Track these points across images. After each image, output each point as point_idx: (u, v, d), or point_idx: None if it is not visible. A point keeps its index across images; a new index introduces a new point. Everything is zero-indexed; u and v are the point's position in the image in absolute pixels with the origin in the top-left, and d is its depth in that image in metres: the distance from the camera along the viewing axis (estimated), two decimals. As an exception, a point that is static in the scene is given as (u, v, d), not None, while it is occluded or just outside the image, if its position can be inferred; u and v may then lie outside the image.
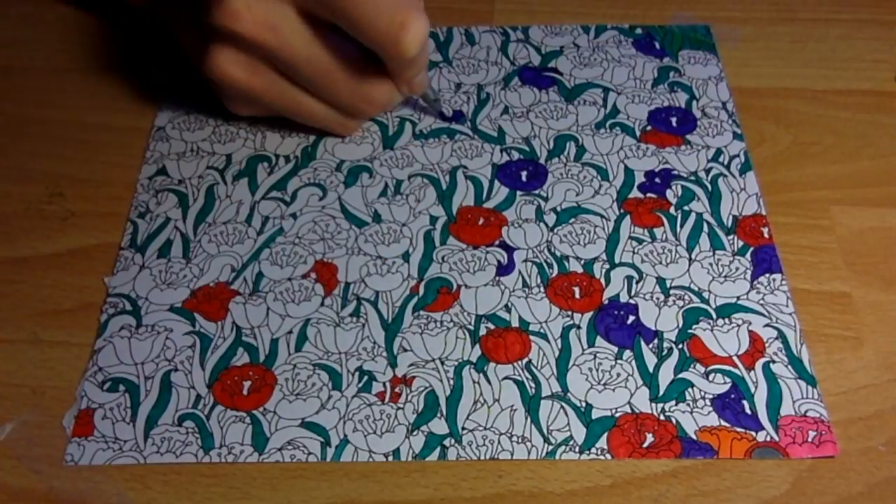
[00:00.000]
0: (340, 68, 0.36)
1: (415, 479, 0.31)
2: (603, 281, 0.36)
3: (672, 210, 0.38)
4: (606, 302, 0.35)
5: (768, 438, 0.31)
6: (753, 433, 0.31)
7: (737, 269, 0.36)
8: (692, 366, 0.33)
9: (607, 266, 0.36)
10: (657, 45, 0.45)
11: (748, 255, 0.36)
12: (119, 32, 0.45)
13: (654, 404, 0.32)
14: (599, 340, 0.34)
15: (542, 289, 0.35)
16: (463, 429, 0.32)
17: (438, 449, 0.31)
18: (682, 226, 0.37)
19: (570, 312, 0.35)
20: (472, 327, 0.34)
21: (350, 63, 0.36)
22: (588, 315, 0.35)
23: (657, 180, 0.39)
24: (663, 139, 0.41)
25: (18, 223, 0.38)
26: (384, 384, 0.33)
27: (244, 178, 0.39)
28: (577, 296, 0.35)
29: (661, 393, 0.32)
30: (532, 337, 0.34)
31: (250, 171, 0.40)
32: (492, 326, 0.34)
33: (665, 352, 0.33)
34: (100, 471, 0.31)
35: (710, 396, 0.32)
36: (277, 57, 0.35)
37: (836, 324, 0.34)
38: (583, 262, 0.36)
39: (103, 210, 0.38)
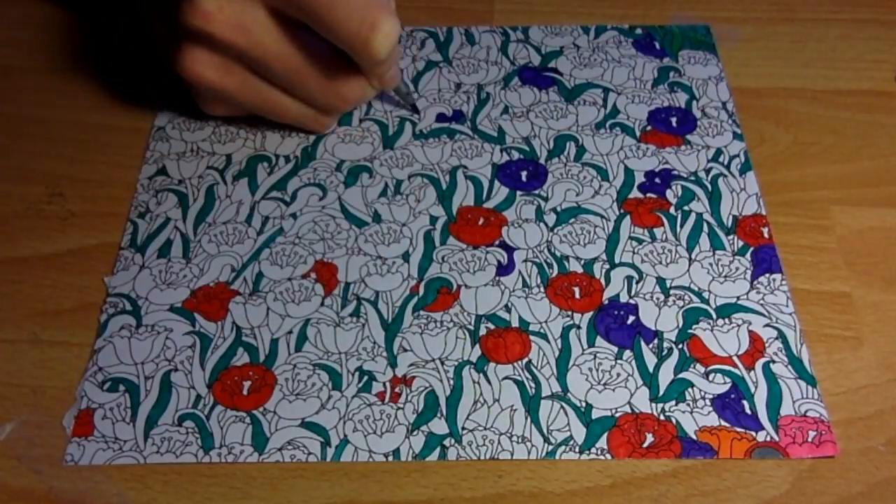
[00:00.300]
0: (312, 66, 0.36)
1: (415, 479, 0.31)
2: (603, 281, 0.36)
3: (672, 210, 0.38)
4: (606, 302, 0.35)
5: (768, 438, 0.31)
6: (753, 433, 0.31)
7: (737, 269, 0.36)
8: (692, 366, 0.33)
9: (607, 266, 0.36)
10: (657, 46, 0.45)
11: (748, 255, 0.36)
12: (119, 33, 0.45)
13: (654, 404, 0.32)
14: (599, 340, 0.34)
15: (542, 289, 0.35)
16: (463, 429, 0.32)
17: (438, 449, 0.31)
18: (682, 226, 0.37)
19: (570, 312, 0.35)
20: (472, 327, 0.34)
21: (322, 60, 0.36)
22: (588, 315, 0.35)
23: (657, 180, 0.39)
24: (663, 139, 0.41)
25: (18, 223, 0.38)
26: (384, 384, 0.33)
27: (244, 178, 0.39)
28: (577, 296, 0.35)
29: (661, 393, 0.32)
30: (532, 337, 0.34)
31: (250, 171, 0.40)
32: (492, 326, 0.34)
33: (665, 352, 0.33)
34: (100, 471, 0.31)
35: (710, 396, 0.32)
36: (250, 56, 0.35)
37: (836, 324, 0.34)
38: (583, 262, 0.36)
39: (103, 210, 0.38)
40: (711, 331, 0.34)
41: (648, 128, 0.41)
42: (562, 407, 0.32)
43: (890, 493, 0.30)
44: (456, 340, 0.34)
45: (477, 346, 0.34)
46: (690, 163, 0.40)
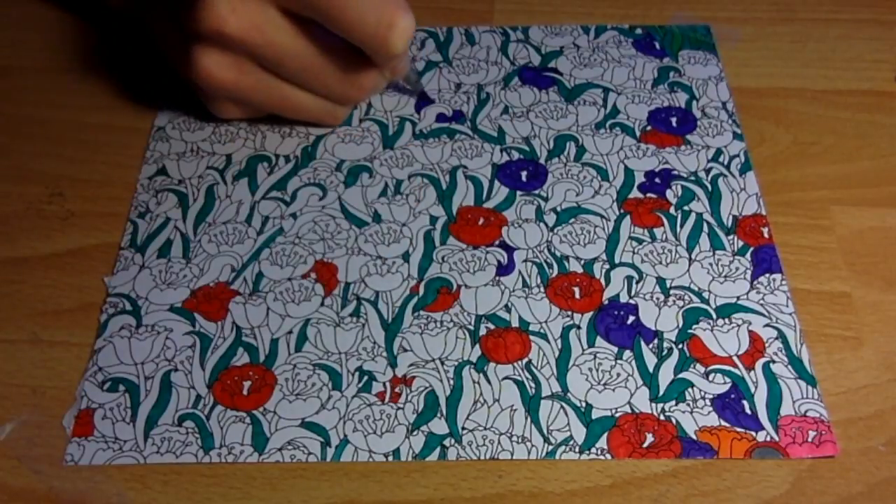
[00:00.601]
0: (327, 58, 0.36)
1: (415, 479, 0.31)
2: (603, 281, 0.36)
3: (672, 210, 0.38)
4: (606, 302, 0.35)
5: (768, 438, 0.31)
6: (753, 433, 0.31)
7: (737, 269, 0.36)
8: (692, 366, 0.33)
9: (607, 266, 0.36)
10: (657, 46, 0.45)
11: (748, 255, 0.36)
12: (119, 33, 0.45)
13: (654, 404, 0.32)
14: (599, 340, 0.34)
15: (542, 289, 0.35)
16: (463, 429, 0.32)
17: (438, 449, 0.31)
18: (682, 226, 0.37)
19: (570, 312, 0.35)
20: (472, 327, 0.34)
21: (336, 52, 0.36)
22: (588, 315, 0.35)
23: (657, 180, 0.39)
24: (663, 139, 0.41)
25: (18, 223, 0.38)
26: (384, 384, 0.33)
27: (244, 178, 0.39)
28: (577, 296, 0.35)
29: (661, 393, 0.32)
30: (532, 337, 0.34)
31: (250, 171, 0.40)
32: (492, 326, 0.34)
33: (665, 352, 0.33)
34: (100, 471, 0.31)
35: (710, 396, 0.32)
36: (264, 55, 0.35)
37: (836, 324, 0.34)
38: (583, 262, 0.36)
39: (103, 210, 0.38)
40: (711, 331, 0.34)
41: (648, 128, 0.41)
42: (562, 407, 0.32)
43: (890, 493, 0.30)
44: (456, 340, 0.34)
45: (477, 346, 0.34)
46: (690, 163, 0.40)
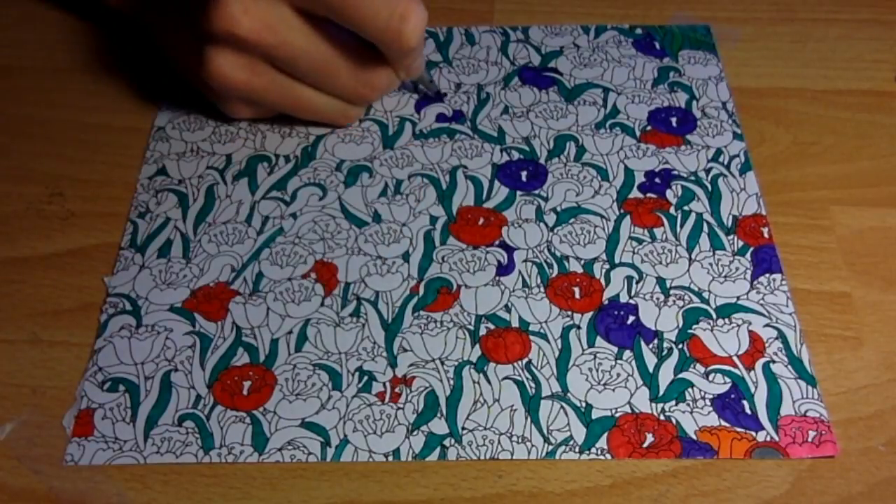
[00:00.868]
0: (341, 57, 0.36)
1: (415, 479, 0.31)
2: (603, 281, 0.36)
3: (672, 210, 0.38)
4: (606, 302, 0.35)
5: (768, 438, 0.31)
6: (753, 433, 0.31)
7: (737, 269, 0.36)
8: (692, 366, 0.33)
9: (607, 266, 0.36)
10: (657, 45, 0.45)
11: (748, 255, 0.36)
12: (119, 33, 0.45)
13: (654, 404, 0.32)
14: (599, 340, 0.34)
15: (542, 289, 0.35)
16: (463, 429, 0.32)
17: (438, 449, 0.31)
18: (682, 226, 0.37)
19: (570, 312, 0.35)
20: (472, 327, 0.34)
21: (348, 51, 0.36)
22: (588, 315, 0.35)
23: (657, 180, 0.39)
24: (663, 139, 0.41)
25: (18, 223, 0.38)
26: (384, 384, 0.33)
27: (244, 177, 0.39)
28: (577, 296, 0.35)
29: (661, 393, 0.32)
30: (532, 337, 0.34)
31: (250, 170, 0.40)
32: (492, 326, 0.34)
33: (665, 352, 0.33)
34: (100, 471, 0.31)
35: (710, 396, 0.32)
36: (277, 55, 0.35)
37: (836, 324, 0.34)
38: (583, 262, 0.36)
39: (103, 210, 0.38)
40: (711, 331, 0.34)
41: (648, 128, 0.41)
42: (562, 407, 0.32)
43: (890, 493, 0.30)
44: (456, 340, 0.34)
45: (477, 346, 0.34)
46: (690, 163, 0.40)
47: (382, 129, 0.41)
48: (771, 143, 0.41)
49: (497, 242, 0.37)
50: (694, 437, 0.31)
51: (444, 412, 0.32)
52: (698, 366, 0.33)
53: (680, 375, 0.33)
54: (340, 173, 0.40)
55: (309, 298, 0.35)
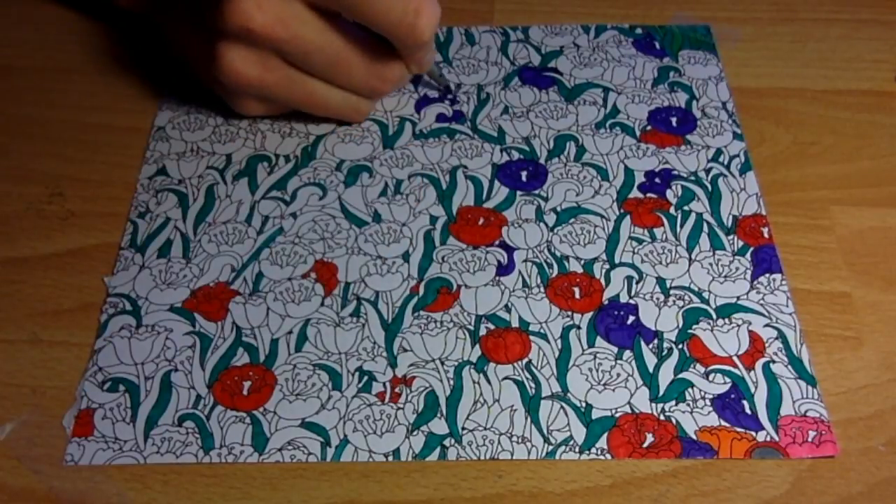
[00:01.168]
0: (353, 51, 0.37)
1: (415, 479, 0.31)
2: (603, 281, 0.35)
3: (672, 210, 0.38)
4: (606, 302, 0.35)
5: (768, 438, 0.31)
6: (753, 433, 0.31)
7: (737, 269, 0.36)
8: (692, 366, 0.33)
9: (607, 266, 0.36)
10: (657, 45, 0.45)
11: (748, 255, 0.36)
12: (119, 32, 0.45)
13: (654, 404, 0.32)
14: (599, 341, 0.34)
15: (542, 289, 0.35)
16: (463, 429, 0.32)
17: (438, 449, 0.31)
18: (682, 226, 0.37)
19: (570, 312, 0.35)
20: (472, 327, 0.34)
21: (361, 45, 0.37)
22: (588, 315, 0.34)
23: (657, 180, 0.39)
24: (663, 139, 0.41)
25: (18, 223, 0.38)
26: (384, 384, 0.33)
27: (244, 177, 0.39)
28: (577, 296, 0.35)
29: (661, 393, 0.32)
30: (532, 337, 0.34)
31: (250, 170, 0.40)
32: (492, 326, 0.34)
33: (665, 352, 0.33)
34: (100, 471, 0.31)
35: (710, 396, 0.32)
36: (290, 50, 0.35)
37: (836, 324, 0.34)
38: (583, 262, 0.36)
39: (103, 210, 0.38)
40: (711, 331, 0.34)
41: (648, 128, 0.41)
42: (562, 407, 0.32)
43: (890, 493, 0.30)
44: (456, 340, 0.34)
45: (477, 346, 0.34)
46: (690, 163, 0.40)
47: (382, 129, 0.41)
48: (771, 143, 0.41)
49: (497, 242, 0.37)
50: (694, 437, 0.31)
51: (444, 412, 0.32)
52: (698, 366, 0.33)
53: (680, 375, 0.33)
54: (340, 173, 0.40)
55: (309, 298, 0.35)
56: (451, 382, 0.33)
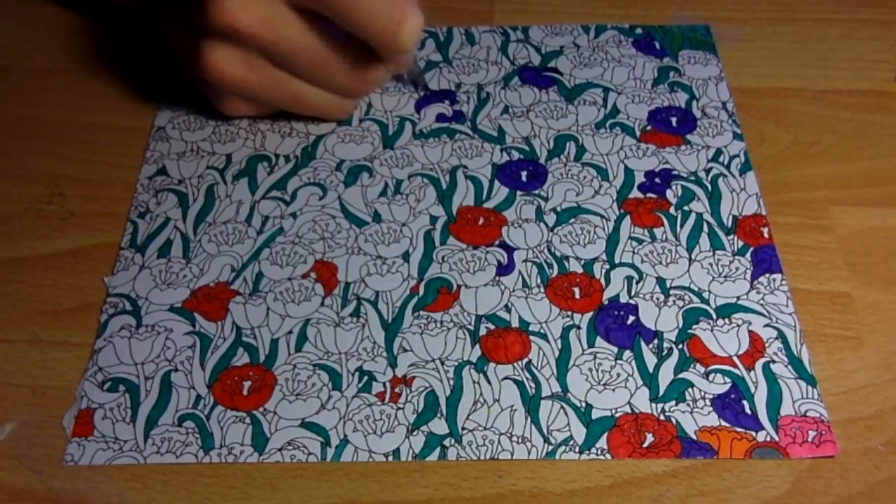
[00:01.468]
0: (336, 53, 0.37)
1: (415, 479, 0.31)
2: (603, 281, 0.35)
3: (672, 210, 0.38)
4: (606, 302, 0.35)
5: (768, 438, 0.31)
6: (753, 433, 0.31)
7: (737, 269, 0.36)
8: (692, 366, 0.33)
9: (607, 266, 0.36)
10: (657, 45, 0.45)
11: (748, 255, 0.36)
12: (119, 32, 0.45)
13: (654, 404, 0.32)
14: (599, 341, 0.34)
15: (542, 289, 0.35)
16: (463, 429, 0.32)
17: (438, 449, 0.31)
18: (682, 226, 0.37)
19: (570, 312, 0.35)
20: (472, 327, 0.34)
21: (344, 46, 0.37)
22: (588, 315, 0.34)
23: (657, 180, 0.39)
24: (663, 139, 0.41)
25: (18, 223, 0.38)
26: (384, 384, 0.33)
27: (244, 177, 0.39)
28: (577, 296, 0.35)
29: (661, 393, 0.32)
30: (532, 337, 0.34)
31: (250, 170, 0.40)
32: (492, 326, 0.34)
33: (665, 352, 0.33)
34: (100, 471, 0.31)
35: (710, 396, 0.32)
36: (275, 50, 0.35)
37: (836, 324, 0.34)
38: (583, 262, 0.36)
39: (103, 210, 0.38)
40: (711, 331, 0.34)
41: (648, 128, 0.41)
42: (562, 407, 0.32)
43: (890, 493, 0.30)
44: (456, 340, 0.34)
45: (477, 346, 0.34)
46: (690, 163, 0.40)
47: (382, 129, 0.41)
48: (771, 143, 0.41)
49: (497, 242, 0.37)
50: (694, 437, 0.31)
51: (444, 412, 0.32)
52: (698, 366, 0.33)
53: (680, 375, 0.33)
54: (340, 173, 0.40)
55: (309, 298, 0.35)
56: (451, 382, 0.33)
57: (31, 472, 0.31)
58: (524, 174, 0.39)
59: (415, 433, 0.31)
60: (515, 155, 0.40)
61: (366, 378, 0.33)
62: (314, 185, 0.39)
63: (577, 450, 0.31)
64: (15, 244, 0.37)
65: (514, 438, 0.31)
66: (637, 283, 0.35)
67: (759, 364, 0.33)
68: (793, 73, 0.44)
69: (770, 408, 0.32)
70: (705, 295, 0.35)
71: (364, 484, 0.30)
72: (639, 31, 0.46)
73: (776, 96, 0.43)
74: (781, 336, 0.34)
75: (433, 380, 0.33)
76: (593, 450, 0.31)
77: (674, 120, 0.41)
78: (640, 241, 0.37)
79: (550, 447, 0.31)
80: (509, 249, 0.37)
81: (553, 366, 0.33)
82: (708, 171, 0.39)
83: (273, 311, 0.35)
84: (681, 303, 0.35)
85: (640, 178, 0.39)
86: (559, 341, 0.34)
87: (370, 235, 0.37)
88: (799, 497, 0.30)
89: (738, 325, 0.34)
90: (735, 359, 0.33)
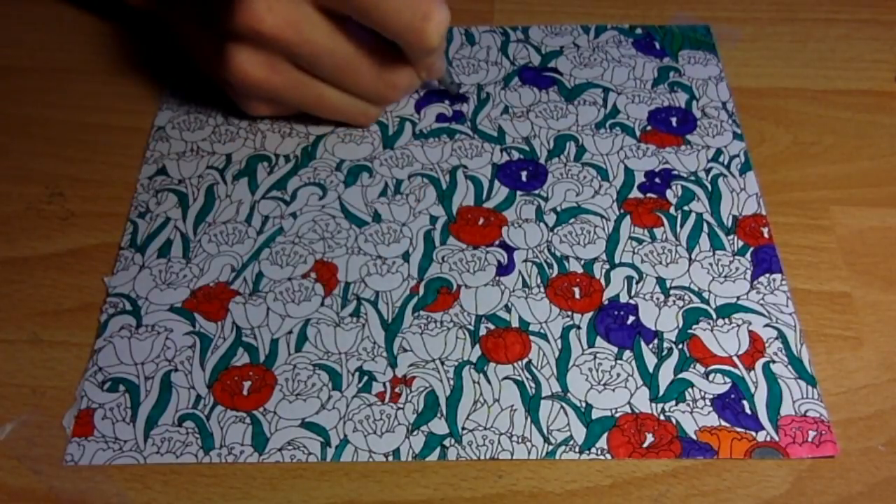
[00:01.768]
0: (363, 57, 0.36)
1: (415, 479, 0.31)
2: (603, 281, 0.36)
3: (672, 210, 0.38)
4: (606, 302, 0.35)
5: (768, 438, 0.31)
6: (753, 433, 0.31)
7: (737, 269, 0.36)
8: (692, 366, 0.33)
9: (607, 266, 0.36)
10: (657, 45, 0.45)
11: (748, 255, 0.36)
12: (119, 32, 0.45)
13: (654, 404, 0.32)
14: (599, 341, 0.34)
15: (542, 289, 0.35)
16: (463, 429, 0.32)
17: (438, 449, 0.31)
18: (682, 226, 0.37)
19: (570, 312, 0.35)
20: (472, 327, 0.34)
21: (370, 50, 0.37)
22: (588, 315, 0.35)
23: (657, 180, 0.39)
24: (663, 139, 0.41)
25: (18, 223, 0.38)
26: (384, 384, 0.33)
27: (244, 177, 0.39)
28: (577, 296, 0.35)
29: (661, 393, 0.32)
30: (532, 337, 0.34)
31: (250, 170, 0.40)
32: (492, 326, 0.34)
33: (665, 352, 0.33)
34: (100, 471, 0.31)
35: (710, 396, 0.32)
36: (300, 53, 0.35)
37: (836, 324, 0.34)
38: (583, 262, 0.36)
39: (103, 210, 0.38)
40: (711, 331, 0.34)
41: (648, 128, 0.41)
42: (562, 407, 0.32)
43: (890, 493, 0.30)
44: (456, 340, 0.34)
45: (477, 346, 0.34)
46: (690, 163, 0.40)
47: (382, 129, 0.41)
48: (771, 143, 0.41)
49: (497, 242, 0.37)
50: (694, 437, 0.31)
51: (444, 412, 0.32)
52: (698, 366, 0.33)
53: (680, 375, 0.33)
54: (340, 173, 0.40)
55: (309, 298, 0.35)
56: (451, 382, 0.33)
57: (31, 472, 0.31)
58: (524, 174, 0.39)
59: (415, 433, 0.31)
60: (515, 155, 0.40)
61: (366, 378, 0.33)
62: (314, 185, 0.39)
63: (577, 450, 0.31)
64: (15, 244, 0.37)
65: (514, 438, 0.31)
66: (637, 283, 0.35)
67: (759, 364, 0.33)
68: (793, 73, 0.44)
69: (770, 408, 0.32)
70: (705, 295, 0.35)
71: (364, 484, 0.30)
72: (639, 31, 0.46)
73: (776, 96, 0.43)
74: (781, 336, 0.34)
75: (433, 380, 0.33)
76: (593, 450, 0.31)
77: (674, 120, 0.41)
78: (640, 241, 0.37)
79: (550, 447, 0.31)
80: (509, 249, 0.37)
81: (553, 366, 0.33)
82: (708, 171, 0.39)
83: (273, 311, 0.35)
84: (681, 303, 0.35)
85: (640, 178, 0.39)
86: (559, 341, 0.34)
87: (370, 235, 0.37)
88: (799, 497, 0.30)
89: (738, 325, 0.34)
90: (735, 359, 0.33)
